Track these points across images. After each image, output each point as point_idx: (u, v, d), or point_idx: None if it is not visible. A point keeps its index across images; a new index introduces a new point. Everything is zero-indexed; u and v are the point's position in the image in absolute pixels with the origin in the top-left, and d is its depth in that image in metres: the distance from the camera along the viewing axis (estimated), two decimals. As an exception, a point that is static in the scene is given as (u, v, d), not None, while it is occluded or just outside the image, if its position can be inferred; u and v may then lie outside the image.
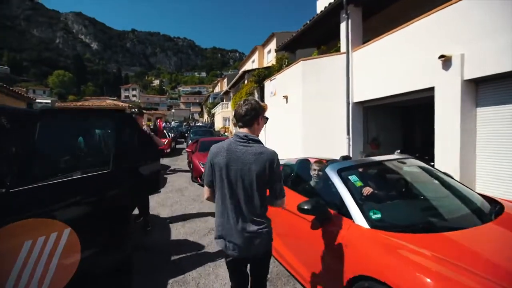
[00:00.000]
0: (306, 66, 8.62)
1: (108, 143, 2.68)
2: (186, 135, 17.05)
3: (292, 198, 2.52)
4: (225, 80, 38.88)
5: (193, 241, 3.48)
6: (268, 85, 11.83)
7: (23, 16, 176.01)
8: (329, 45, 10.39)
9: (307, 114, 8.65)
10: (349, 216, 1.88)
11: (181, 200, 5.37)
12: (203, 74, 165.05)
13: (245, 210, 1.49)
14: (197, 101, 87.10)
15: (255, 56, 26.26)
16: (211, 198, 1.65)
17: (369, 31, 8.10)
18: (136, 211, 3.96)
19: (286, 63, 11.36)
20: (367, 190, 2.18)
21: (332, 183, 2.12)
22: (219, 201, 1.55)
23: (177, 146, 16.27)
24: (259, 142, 1.58)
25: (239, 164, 1.48)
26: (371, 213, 1.84)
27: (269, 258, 1.69)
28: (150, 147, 3.58)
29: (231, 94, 26.93)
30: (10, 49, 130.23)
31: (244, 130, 1.61)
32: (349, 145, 7.96)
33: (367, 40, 7.49)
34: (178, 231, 3.81)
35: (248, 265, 1.66)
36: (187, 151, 7.77)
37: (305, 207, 1.90)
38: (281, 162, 4.01)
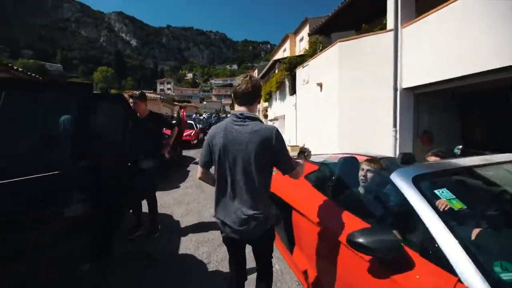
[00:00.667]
0: (344, 48, 7.51)
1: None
2: (215, 127, 16.80)
3: (335, 214, 1.74)
4: (256, 71, 38.00)
5: (204, 252, 2.87)
6: (300, 72, 10.84)
7: (73, 18, 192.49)
8: (371, 24, 9.05)
9: (344, 103, 7.60)
10: (445, 265, 1.06)
11: (200, 198, 4.84)
12: (235, 66, 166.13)
13: (242, 192, 1.44)
14: (228, 93, 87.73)
15: (287, 45, 25.03)
16: (204, 178, 1.67)
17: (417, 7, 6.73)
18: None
19: (320, 47, 10.24)
20: (443, 204, 1.31)
21: (404, 200, 1.30)
22: (217, 183, 1.53)
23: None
24: (256, 119, 1.47)
25: (236, 145, 1.41)
26: (496, 268, 1.00)
27: (270, 239, 1.62)
28: (148, 140, 3.01)
29: (262, 85, 26.14)
30: (62, 48, 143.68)
31: (242, 109, 1.50)
32: (395, 139, 6.79)
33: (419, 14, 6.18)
34: (189, 239, 3.24)
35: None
36: None
37: (361, 242, 1.12)
38: (317, 159, 3.21)
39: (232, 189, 1.47)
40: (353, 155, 2.51)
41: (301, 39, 22.17)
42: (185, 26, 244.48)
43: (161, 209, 4.22)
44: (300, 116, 11.22)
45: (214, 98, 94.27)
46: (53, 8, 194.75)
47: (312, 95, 9.61)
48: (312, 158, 3.36)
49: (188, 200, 4.63)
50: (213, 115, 33.62)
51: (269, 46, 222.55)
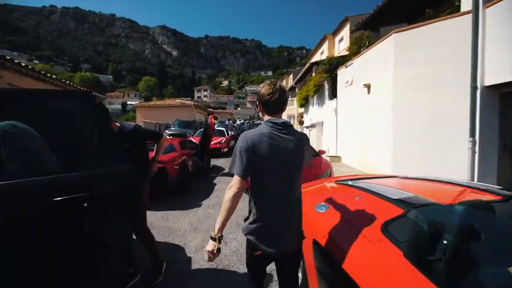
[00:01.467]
0: (401, 40, 6.19)
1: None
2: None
3: None
4: (291, 76, 37.06)
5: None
6: (343, 73, 9.58)
7: (123, 34, 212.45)
8: (436, 10, 7.52)
9: (400, 107, 6.24)
10: None
11: (222, 224, 3.98)
12: (269, 73, 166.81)
13: (287, 203, 1.42)
14: None
15: (324, 47, 23.63)
16: (241, 193, 1.40)
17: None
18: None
19: (367, 44, 8.90)
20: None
21: None
22: (261, 193, 1.42)
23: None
24: (293, 127, 1.47)
25: (285, 153, 1.37)
26: None
27: (301, 252, 1.58)
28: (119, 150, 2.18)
29: (297, 90, 24.99)
30: (113, 61, 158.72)
31: (277, 116, 1.45)
32: (473, 153, 5.25)
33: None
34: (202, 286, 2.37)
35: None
36: None
37: None
38: (371, 188, 2.12)
39: (277, 200, 1.39)
40: (443, 183, 1.38)
41: (341, 40, 20.65)
42: (222, 35, 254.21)
43: (173, 237, 3.45)
44: (342, 123, 9.91)
45: (248, 105, 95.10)
46: (107, 26, 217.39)
47: (357, 99, 8.31)
48: (358, 183, 2.30)
49: (208, 226, 3.79)
50: (246, 121, 33.21)
51: (304, 51, 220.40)
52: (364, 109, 7.83)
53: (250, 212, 1.46)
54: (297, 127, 22.88)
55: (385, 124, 6.65)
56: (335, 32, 22.08)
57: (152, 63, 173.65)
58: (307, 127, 14.56)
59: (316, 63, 18.89)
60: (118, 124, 2.46)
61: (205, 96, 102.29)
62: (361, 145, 7.98)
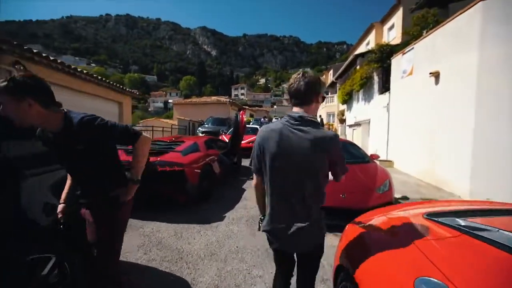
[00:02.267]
0: (493, 8, 4.61)
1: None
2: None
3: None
4: (331, 71, 34.79)
5: None
6: (398, 61, 8.01)
7: (167, 36, 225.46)
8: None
9: (487, 98, 4.71)
10: None
11: (247, 247, 3.07)
12: (308, 70, 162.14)
13: (294, 203, 1.30)
14: None
15: (371, 37, 21.37)
16: (260, 186, 1.46)
17: None
18: None
19: (433, 23, 7.23)
20: None
21: None
22: (268, 191, 1.37)
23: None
24: (317, 124, 1.29)
25: (294, 152, 1.25)
26: None
27: (318, 256, 1.46)
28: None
29: (338, 86, 23.12)
30: (158, 62, 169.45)
31: (298, 110, 1.32)
32: None
33: None
34: None
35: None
36: None
37: None
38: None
39: (283, 199, 1.32)
40: None
41: (391, 28, 18.35)
42: (259, 34, 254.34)
43: (181, 265, 2.65)
44: (395, 121, 8.33)
45: (285, 102, 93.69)
46: (154, 29, 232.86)
47: (419, 91, 6.77)
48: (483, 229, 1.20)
49: (228, 251, 2.94)
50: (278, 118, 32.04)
51: (345, 46, 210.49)
52: (430, 104, 6.28)
53: None
54: (337, 125, 21.11)
55: (462, 123, 5.12)
56: (384, 20, 19.75)
57: (193, 63, 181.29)
58: (350, 125, 12.97)
59: (361, 54, 16.96)
60: (64, 112, 1.38)
61: (242, 94, 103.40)
62: (425, 150, 6.44)
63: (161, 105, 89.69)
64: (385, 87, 9.66)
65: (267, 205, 1.39)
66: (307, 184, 1.28)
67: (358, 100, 12.87)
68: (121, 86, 9.77)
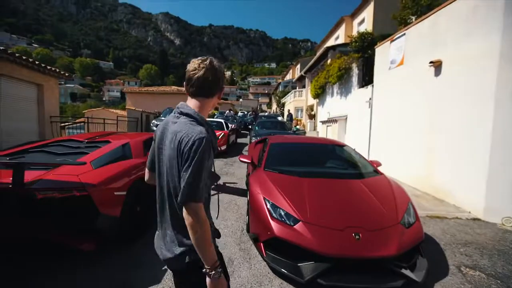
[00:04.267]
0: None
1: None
2: (250, 127, 13.49)
3: None
4: (298, 66, 34.27)
5: None
6: (385, 50, 7.04)
7: (125, 19, 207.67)
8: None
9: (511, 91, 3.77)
10: None
11: None
12: (273, 65, 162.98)
13: (166, 210, 1.10)
14: (266, 91, 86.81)
15: (341, 31, 20.91)
16: (150, 181, 1.28)
17: None
18: None
19: (425, 8, 6.32)
20: None
21: None
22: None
23: (239, 140, 12.93)
24: (189, 116, 1.06)
25: (165, 147, 1.07)
26: None
27: (193, 275, 1.04)
28: None
29: (306, 80, 22.37)
30: (114, 48, 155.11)
31: (192, 101, 1.11)
32: None
33: None
34: None
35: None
36: (241, 160, 3.58)
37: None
38: None
39: (158, 203, 1.15)
40: None
41: (361, 22, 17.93)
42: (226, 25, 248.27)
43: None
44: (379, 118, 7.41)
45: (251, 96, 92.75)
46: (109, 11, 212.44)
47: (411, 84, 5.82)
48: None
49: None
50: (249, 113, 30.56)
51: (309, 44, 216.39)
52: (428, 99, 5.34)
53: None
54: (306, 121, 20.39)
55: (475, 122, 4.18)
56: (354, 14, 19.31)
57: (154, 51, 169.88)
58: (323, 122, 12.02)
59: (333, 47, 16.22)
60: None
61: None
62: (419, 152, 5.51)
63: (118, 94, 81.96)
64: (365, 80, 8.76)
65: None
66: (169, 188, 1.06)
67: (332, 94, 11.95)
68: (42, 64, 7.33)
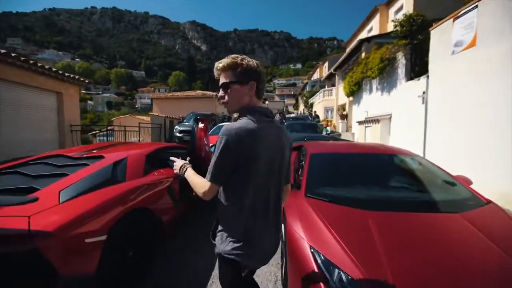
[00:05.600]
0: None
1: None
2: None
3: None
4: (326, 64, 32.54)
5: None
6: (446, 31, 5.64)
7: (156, 30, 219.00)
8: None
9: None
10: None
11: None
12: (299, 65, 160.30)
13: (275, 210, 1.23)
14: (292, 93, 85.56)
15: (374, 22, 19.15)
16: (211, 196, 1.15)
17: None
18: None
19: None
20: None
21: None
22: (244, 201, 1.09)
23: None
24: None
25: (273, 152, 1.15)
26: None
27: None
28: None
29: (337, 78, 20.82)
30: (146, 57, 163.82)
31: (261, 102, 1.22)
32: None
33: None
34: None
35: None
36: None
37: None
38: None
39: (267, 209, 1.18)
40: None
41: (399, 10, 16.07)
42: (250, 29, 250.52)
43: None
44: (438, 116, 6.00)
45: (277, 98, 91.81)
46: (141, 23, 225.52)
47: (489, 71, 4.43)
48: None
49: None
50: (277, 114, 29.51)
51: (335, 42, 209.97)
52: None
53: None
54: (337, 122, 18.83)
55: None
56: (390, 1, 17.48)
57: (182, 58, 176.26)
58: (360, 122, 10.62)
59: (367, 39, 14.67)
60: None
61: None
62: (507, 161, 4.11)
63: (149, 101, 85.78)
64: (413, 71, 7.35)
65: (245, 221, 1.12)
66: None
67: (371, 91, 10.51)
68: (59, 71, 7.07)
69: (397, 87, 8.16)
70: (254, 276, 1.44)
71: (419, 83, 6.67)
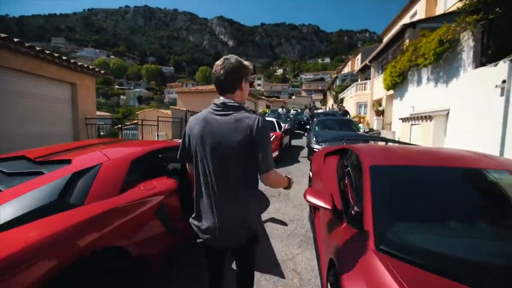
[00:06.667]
0: None
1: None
2: (308, 126, 11.27)
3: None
4: (359, 56, 30.23)
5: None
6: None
7: (184, 27, 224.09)
8: None
9: None
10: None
11: None
12: (327, 60, 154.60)
13: (221, 190, 1.21)
14: (319, 88, 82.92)
15: (419, 5, 16.97)
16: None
17: None
18: None
19: None
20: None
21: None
22: (196, 180, 1.29)
23: (293, 143, 10.90)
24: (240, 108, 1.23)
25: (216, 137, 1.19)
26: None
27: (251, 247, 1.36)
28: None
29: (372, 70, 18.92)
30: (175, 53, 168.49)
31: (223, 97, 1.26)
32: None
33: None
34: None
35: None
36: (310, 202, 1.74)
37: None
38: None
39: (209, 187, 1.23)
40: None
41: (452, -11, 13.86)
42: (277, 23, 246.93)
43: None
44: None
45: (303, 93, 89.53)
46: (171, 20, 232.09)
47: None
48: None
49: None
50: (305, 110, 27.94)
51: (367, 34, 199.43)
52: None
53: None
54: (371, 118, 17.06)
55: None
56: (440, -19, 15.23)
57: (209, 54, 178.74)
58: (404, 119, 9.09)
59: (412, 24, 12.81)
60: None
61: (258, 85, 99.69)
62: None
63: (176, 96, 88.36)
64: (485, 56, 5.81)
65: (194, 197, 1.31)
66: (230, 170, 1.20)
67: (419, 82, 8.90)
68: (74, 62, 6.60)
69: (459, 75, 6.60)
70: None
71: (497, 70, 5.16)
